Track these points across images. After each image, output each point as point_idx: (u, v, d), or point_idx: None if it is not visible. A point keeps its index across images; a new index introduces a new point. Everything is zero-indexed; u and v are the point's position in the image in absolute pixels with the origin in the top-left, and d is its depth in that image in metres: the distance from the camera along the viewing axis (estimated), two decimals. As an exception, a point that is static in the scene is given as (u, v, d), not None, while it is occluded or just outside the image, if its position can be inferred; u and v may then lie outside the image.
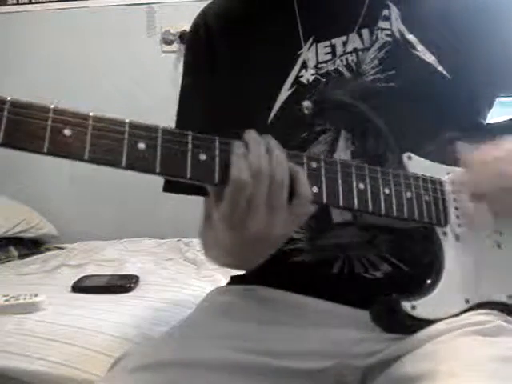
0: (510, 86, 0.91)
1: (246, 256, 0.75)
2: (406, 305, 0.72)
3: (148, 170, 0.60)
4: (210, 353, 0.77)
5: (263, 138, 0.66)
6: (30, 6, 2.70)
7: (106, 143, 0.59)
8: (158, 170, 0.61)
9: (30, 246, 2.40)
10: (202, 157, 0.63)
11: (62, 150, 0.57)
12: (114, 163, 0.59)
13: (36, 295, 1.51)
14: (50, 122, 0.57)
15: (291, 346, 0.79)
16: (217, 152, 0.64)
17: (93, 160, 0.58)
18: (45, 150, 0.56)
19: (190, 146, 0.62)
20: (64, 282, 1.75)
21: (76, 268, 1.98)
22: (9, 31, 2.69)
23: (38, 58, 2.65)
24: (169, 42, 2.57)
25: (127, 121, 0.60)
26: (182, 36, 2.51)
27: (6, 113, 0.55)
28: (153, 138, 0.61)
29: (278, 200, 0.64)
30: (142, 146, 0.60)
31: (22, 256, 2.27)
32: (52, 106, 0.57)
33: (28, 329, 1.35)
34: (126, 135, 0.60)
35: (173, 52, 2.56)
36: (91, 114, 0.59)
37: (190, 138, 0.63)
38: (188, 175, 0.62)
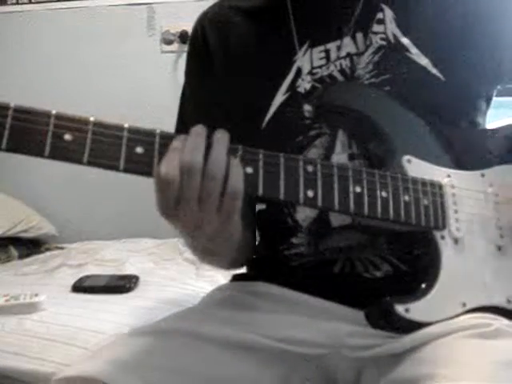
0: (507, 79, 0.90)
1: (207, 248, 0.77)
2: (400, 308, 0.72)
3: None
4: (212, 329, 0.78)
5: (216, 132, 0.66)
6: (29, 5, 2.69)
7: (105, 148, 0.62)
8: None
9: (29, 246, 2.40)
10: (139, 150, 0.64)
11: (62, 154, 0.61)
12: (112, 167, 0.62)
13: (36, 295, 1.51)
14: (51, 128, 0.59)
15: (286, 332, 0.80)
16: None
17: (92, 164, 0.62)
18: (46, 155, 0.60)
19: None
20: (64, 282, 1.75)
21: (76, 268, 1.97)
22: (8, 31, 2.69)
23: (37, 57, 2.65)
24: (169, 42, 2.57)
25: (126, 126, 0.63)
26: (182, 36, 2.51)
27: (9, 119, 0.58)
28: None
29: (209, 195, 0.64)
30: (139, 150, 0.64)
31: (22, 256, 2.27)
32: (53, 112, 0.60)
33: (28, 329, 1.35)
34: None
35: (173, 52, 2.56)
36: (91, 118, 0.62)
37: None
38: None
